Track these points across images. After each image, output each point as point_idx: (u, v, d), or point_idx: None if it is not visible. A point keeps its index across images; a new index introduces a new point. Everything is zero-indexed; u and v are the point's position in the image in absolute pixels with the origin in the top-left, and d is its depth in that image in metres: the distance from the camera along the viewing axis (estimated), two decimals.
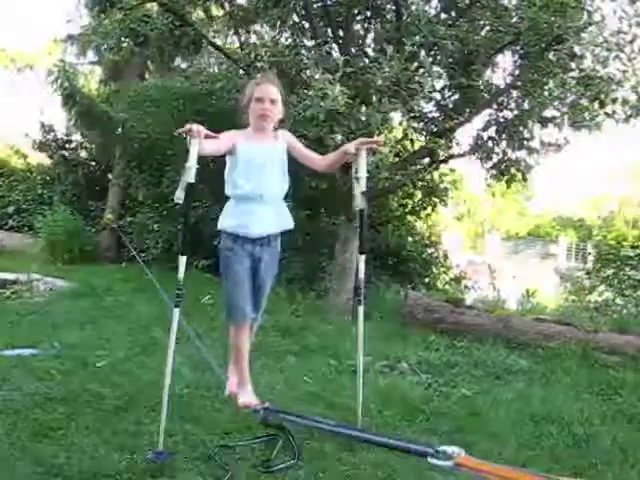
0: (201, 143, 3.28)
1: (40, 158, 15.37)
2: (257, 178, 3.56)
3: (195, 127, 3.24)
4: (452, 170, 10.97)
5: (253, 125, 3.66)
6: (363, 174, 3.70)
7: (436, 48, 7.28)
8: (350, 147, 3.67)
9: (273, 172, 3.64)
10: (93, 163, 14.93)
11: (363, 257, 3.86)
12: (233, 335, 3.71)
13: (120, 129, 12.50)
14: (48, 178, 14.74)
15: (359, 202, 3.72)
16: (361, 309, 3.84)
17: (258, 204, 3.58)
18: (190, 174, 3.31)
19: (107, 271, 10.75)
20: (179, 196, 3.33)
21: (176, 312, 3.42)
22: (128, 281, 9.45)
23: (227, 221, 3.63)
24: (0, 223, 14.07)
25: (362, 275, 3.87)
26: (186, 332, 5.35)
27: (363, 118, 6.70)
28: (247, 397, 3.71)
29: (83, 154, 15.08)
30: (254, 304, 3.73)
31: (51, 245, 11.69)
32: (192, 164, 3.31)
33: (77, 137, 14.89)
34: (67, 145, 14.85)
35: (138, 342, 5.84)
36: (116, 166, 13.43)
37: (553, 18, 6.69)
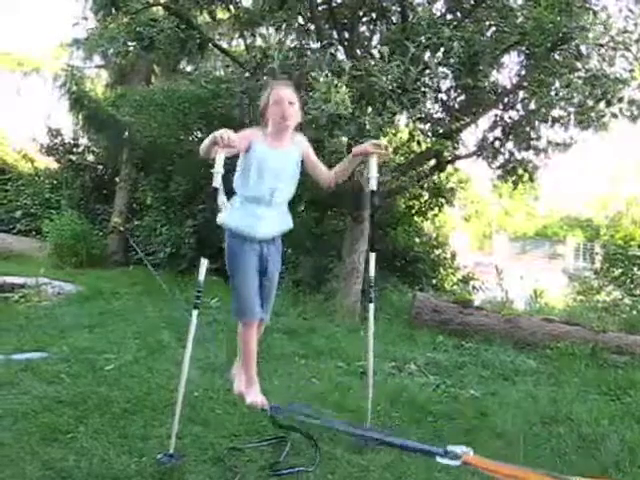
0: (229, 149, 3.34)
1: (47, 162, 15.43)
2: (269, 182, 3.55)
3: (225, 136, 3.25)
4: (456, 169, 10.98)
5: (272, 128, 3.61)
6: (374, 174, 3.77)
7: (442, 49, 7.28)
8: (365, 147, 3.72)
9: (285, 178, 3.63)
10: (100, 167, 14.98)
11: (374, 255, 3.91)
12: (242, 333, 3.70)
13: (127, 133, 12.53)
14: (55, 182, 14.76)
15: (373, 183, 3.79)
16: (371, 307, 3.89)
17: (265, 207, 3.58)
18: (217, 179, 3.39)
19: (114, 274, 10.78)
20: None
21: (195, 314, 3.45)
22: (135, 284, 9.47)
23: (232, 220, 3.61)
24: (8, 227, 14.10)
25: (373, 273, 3.90)
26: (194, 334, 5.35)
27: (366, 122, 6.69)
28: (254, 396, 3.69)
29: (90, 158, 15.14)
30: (262, 302, 3.72)
31: (59, 249, 11.72)
32: (218, 170, 3.38)
33: (84, 141, 14.95)
34: (74, 149, 14.92)
35: (146, 345, 5.84)
36: (123, 169, 13.46)
37: (559, 18, 6.68)
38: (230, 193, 3.68)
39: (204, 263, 3.48)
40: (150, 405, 4.19)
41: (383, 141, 3.78)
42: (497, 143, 8.57)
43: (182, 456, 3.38)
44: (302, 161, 3.73)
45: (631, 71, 7.18)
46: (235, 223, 3.60)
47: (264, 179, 3.54)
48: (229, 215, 3.63)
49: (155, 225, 11.66)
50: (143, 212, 12.60)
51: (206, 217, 3.70)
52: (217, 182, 3.39)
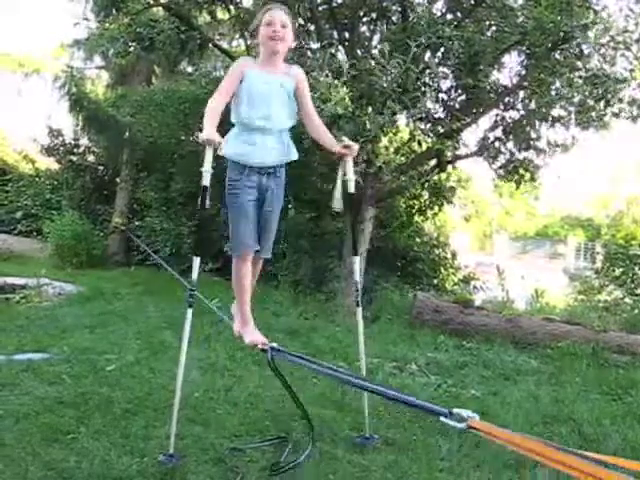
0: (216, 147, 3.34)
1: (48, 163, 15.44)
2: (262, 107, 3.48)
3: (211, 138, 3.29)
4: (454, 168, 10.98)
5: (264, 52, 3.54)
6: (351, 176, 3.73)
7: (442, 49, 7.28)
8: (337, 149, 3.69)
9: (279, 104, 3.54)
10: (101, 167, 14.98)
11: (357, 259, 3.91)
12: (236, 268, 3.65)
13: (127, 133, 12.54)
14: (56, 183, 14.78)
15: (336, 204, 3.73)
16: (359, 310, 3.88)
17: (261, 134, 3.51)
18: (206, 178, 3.36)
19: (115, 275, 10.79)
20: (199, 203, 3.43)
21: (189, 312, 3.43)
22: (136, 285, 9.48)
23: (230, 148, 3.54)
24: (9, 228, 14.12)
25: (357, 276, 3.93)
26: (195, 335, 5.35)
27: (366, 121, 6.69)
28: (252, 335, 3.65)
29: (91, 158, 15.12)
30: (262, 237, 3.66)
31: (59, 249, 11.72)
32: (207, 169, 3.36)
33: (84, 142, 14.93)
34: (75, 150, 14.90)
35: (147, 345, 5.84)
36: (123, 170, 13.47)
37: (559, 17, 6.69)
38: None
39: (197, 261, 3.47)
40: (151, 405, 4.19)
41: (354, 143, 3.71)
42: (498, 143, 8.58)
43: (182, 456, 3.38)
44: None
45: (631, 71, 7.19)
46: (231, 151, 3.53)
47: (256, 104, 3.48)
48: (227, 144, 3.55)
49: (156, 225, 11.67)
50: (144, 212, 12.62)
51: (203, 216, 3.66)
52: (206, 181, 3.36)
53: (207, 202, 3.43)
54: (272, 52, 3.51)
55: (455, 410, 2.16)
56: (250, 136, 3.51)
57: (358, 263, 3.91)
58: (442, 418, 2.18)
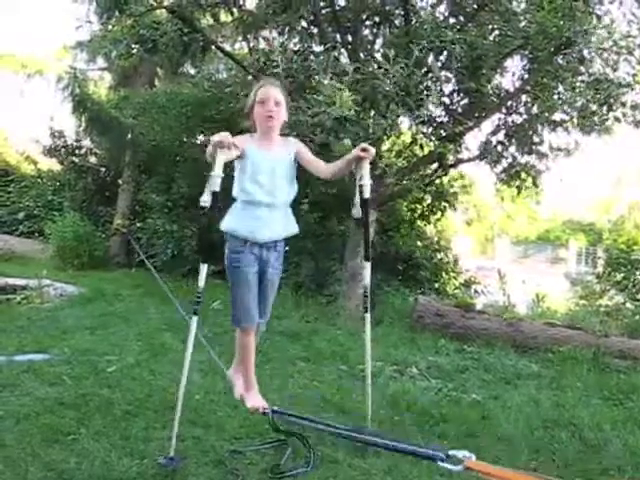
0: (230, 152, 3.30)
1: (50, 164, 15.45)
2: (266, 184, 3.51)
3: (226, 141, 3.23)
4: (462, 175, 10.98)
5: (260, 129, 3.60)
6: (367, 181, 3.65)
7: (445, 53, 7.28)
8: (355, 152, 3.58)
9: (282, 179, 3.58)
10: (103, 169, 14.96)
11: (368, 264, 3.85)
12: (240, 339, 3.70)
13: (129, 135, 12.55)
14: (58, 184, 14.81)
15: (357, 211, 3.71)
16: (367, 316, 3.83)
17: (266, 210, 3.54)
18: (216, 183, 3.30)
19: (117, 276, 10.79)
20: (205, 199, 3.32)
21: (194, 320, 3.42)
22: (138, 286, 9.48)
23: (234, 224, 3.58)
24: (11, 229, 14.14)
25: (367, 281, 3.85)
26: (196, 337, 5.34)
27: (370, 124, 6.69)
28: (254, 400, 3.70)
29: (93, 160, 15.11)
30: (261, 308, 3.71)
31: (61, 250, 11.72)
32: (218, 173, 3.30)
33: (87, 143, 14.91)
34: (77, 151, 14.89)
35: (148, 347, 5.84)
36: (126, 172, 13.47)
37: (562, 22, 6.69)
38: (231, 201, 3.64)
39: (204, 268, 3.44)
40: (152, 407, 4.18)
41: (371, 147, 3.66)
42: (500, 147, 8.57)
43: (183, 458, 3.38)
44: (298, 163, 3.68)
45: (634, 75, 7.19)
46: (236, 227, 3.57)
47: (260, 182, 3.51)
48: (230, 220, 3.60)
49: (158, 227, 11.67)
50: (145, 214, 12.62)
51: (202, 222, 3.69)
52: (216, 186, 3.30)
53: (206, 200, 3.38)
54: (267, 129, 3.59)
55: (451, 452, 2.17)
56: (254, 211, 3.55)
57: (369, 268, 3.86)
58: (439, 463, 2.20)
